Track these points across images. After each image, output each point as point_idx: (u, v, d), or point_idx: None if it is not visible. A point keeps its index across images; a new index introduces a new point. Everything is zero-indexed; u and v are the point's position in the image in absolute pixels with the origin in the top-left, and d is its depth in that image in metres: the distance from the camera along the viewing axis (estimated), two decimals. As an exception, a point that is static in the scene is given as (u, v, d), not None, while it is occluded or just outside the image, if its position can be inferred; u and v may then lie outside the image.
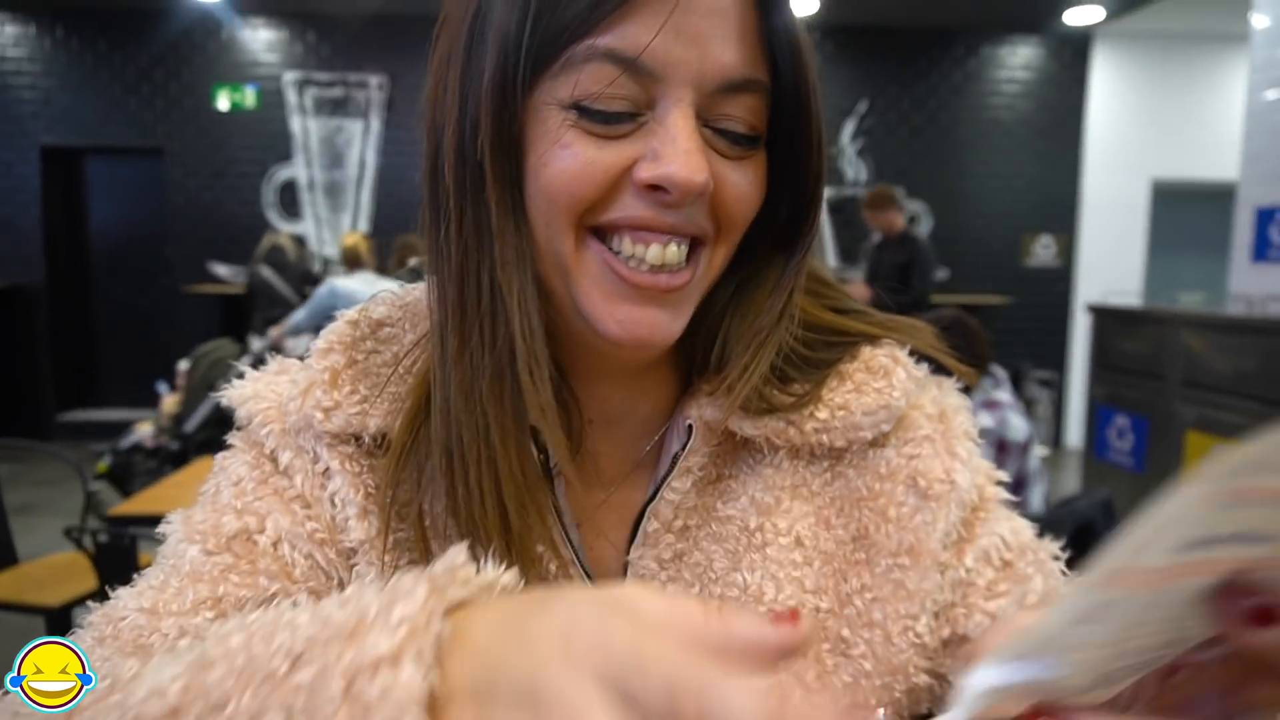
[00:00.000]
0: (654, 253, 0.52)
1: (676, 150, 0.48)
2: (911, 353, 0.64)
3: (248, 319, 6.13)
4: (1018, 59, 7.45)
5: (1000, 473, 0.65)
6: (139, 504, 2.81)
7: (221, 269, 7.09)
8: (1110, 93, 7.48)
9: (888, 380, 0.61)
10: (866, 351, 0.63)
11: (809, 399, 0.60)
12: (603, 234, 0.52)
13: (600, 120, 0.49)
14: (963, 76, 7.46)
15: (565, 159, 0.50)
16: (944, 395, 0.65)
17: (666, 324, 0.54)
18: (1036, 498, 2.90)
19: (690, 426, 0.60)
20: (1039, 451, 2.98)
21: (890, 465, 0.60)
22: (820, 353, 0.61)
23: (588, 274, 0.53)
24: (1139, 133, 7.50)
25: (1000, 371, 3.01)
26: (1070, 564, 0.62)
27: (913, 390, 0.61)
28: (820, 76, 0.53)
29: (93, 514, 3.05)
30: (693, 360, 0.61)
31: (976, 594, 0.61)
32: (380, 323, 0.63)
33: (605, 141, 0.50)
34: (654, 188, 0.50)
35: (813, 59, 0.53)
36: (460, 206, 0.52)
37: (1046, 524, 0.62)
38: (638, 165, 0.50)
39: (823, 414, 0.60)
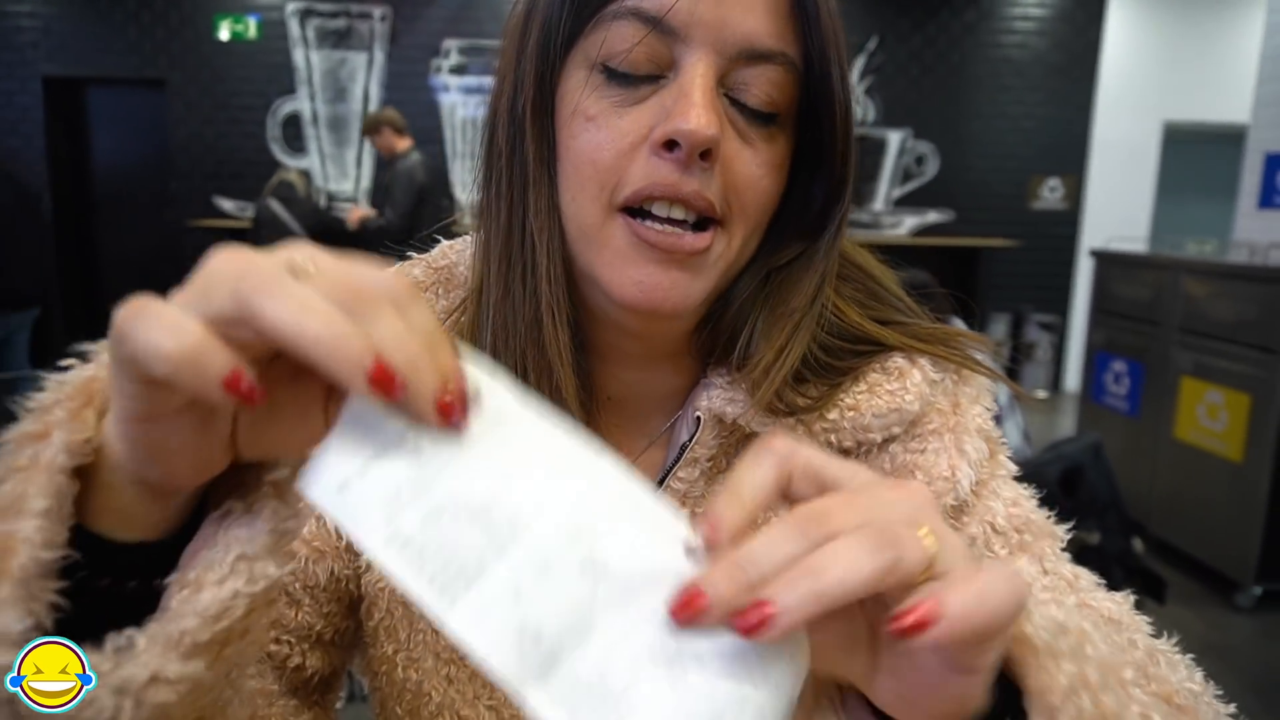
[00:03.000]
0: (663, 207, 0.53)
1: (688, 103, 0.50)
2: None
3: (254, 254, 6.16)
4: (1033, -5, 7.30)
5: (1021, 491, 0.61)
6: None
7: (227, 203, 7.08)
8: (1127, 30, 7.33)
9: (902, 383, 0.59)
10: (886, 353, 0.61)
11: (822, 403, 0.59)
12: (631, 211, 0.54)
13: (622, 83, 0.52)
14: (976, 13, 7.32)
15: (591, 130, 0.52)
16: (961, 386, 0.62)
17: (685, 285, 0.54)
18: (1013, 432, 2.98)
19: (699, 418, 0.60)
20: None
21: (895, 462, 0.60)
22: (841, 360, 0.60)
23: (610, 245, 0.54)
24: (1154, 72, 7.37)
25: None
26: (1057, 504, 0.65)
27: (928, 393, 0.60)
28: (846, 53, 0.53)
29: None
30: (712, 349, 0.61)
31: None
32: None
33: (627, 109, 0.52)
34: (667, 146, 0.51)
35: (842, 40, 0.53)
36: (509, 162, 0.56)
37: (1036, 467, 0.65)
38: (654, 129, 0.52)
39: (832, 414, 0.59)
